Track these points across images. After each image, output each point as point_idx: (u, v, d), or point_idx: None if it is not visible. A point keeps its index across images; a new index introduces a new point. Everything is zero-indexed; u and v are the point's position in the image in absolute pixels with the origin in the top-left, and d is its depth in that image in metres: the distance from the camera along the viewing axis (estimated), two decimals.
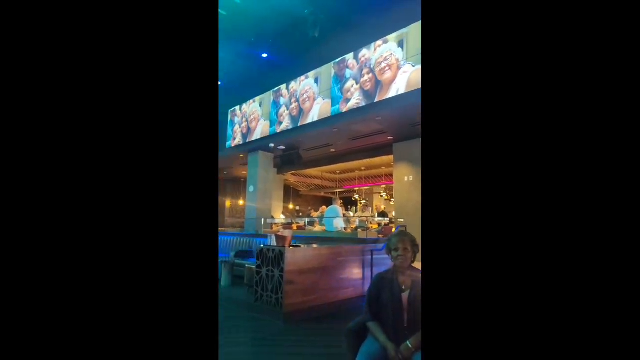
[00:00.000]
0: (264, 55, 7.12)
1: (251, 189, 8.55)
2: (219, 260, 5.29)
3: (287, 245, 3.65)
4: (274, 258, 3.60)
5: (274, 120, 7.52)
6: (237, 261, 5.10)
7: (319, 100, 6.59)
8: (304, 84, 6.94)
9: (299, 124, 6.94)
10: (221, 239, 6.72)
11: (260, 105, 8.00)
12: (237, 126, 8.69)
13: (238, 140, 8.58)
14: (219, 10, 5.62)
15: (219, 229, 10.32)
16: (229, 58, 7.10)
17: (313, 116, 6.67)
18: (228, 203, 13.52)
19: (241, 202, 13.23)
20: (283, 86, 7.38)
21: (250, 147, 8.38)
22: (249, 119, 8.28)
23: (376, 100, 5.58)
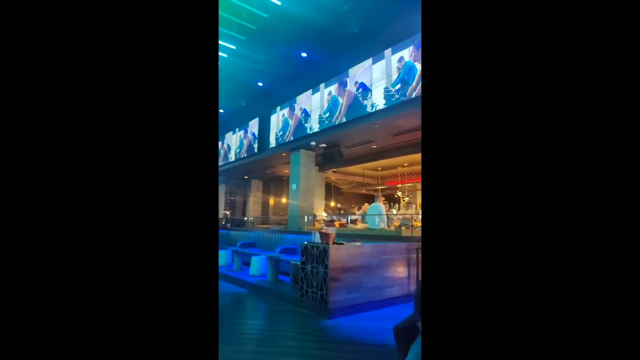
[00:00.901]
0: (304, 55, 7.21)
1: (294, 186, 8.72)
2: (266, 256, 5.48)
3: (330, 243, 3.68)
4: (318, 255, 3.65)
5: (313, 118, 7.59)
6: (282, 257, 5.24)
7: (358, 96, 6.53)
8: (342, 82, 6.92)
9: (339, 121, 6.93)
10: (266, 235, 6.94)
11: (297, 104, 8.12)
12: (277, 125, 8.90)
13: (280, 139, 8.78)
14: (260, 13, 5.78)
15: (265, 225, 10.66)
16: (271, 60, 7.29)
17: (353, 112, 6.63)
18: (272, 201, 13.91)
19: (284, 200, 13.54)
20: (322, 85, 7.42)
21: (292, 145, 8.54)
22: (289, 118, 8.44)
23: (416, 94, 5.40)
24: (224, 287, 5.16)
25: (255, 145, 9.80)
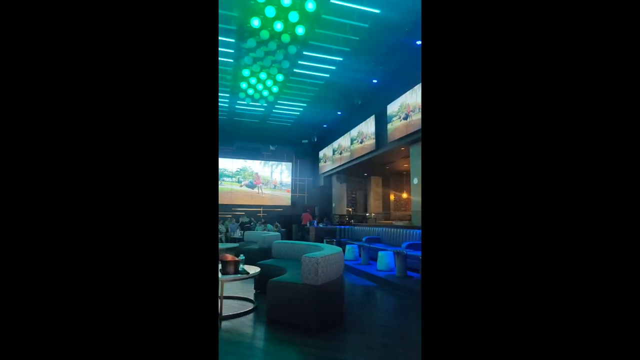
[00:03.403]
0: (418, 43, 6.88)
1: (415, 181, 8.42)
2: (392, 251, 5.48)
3: None
4: None
5: None
6: (409, 252, 5.15)
7: None
8: None
9: None
10: (390, 230, 6.93)
11: (413, 94, 7.79)
12: (396, 119, 8.75)
13: (400, 133, 8.63)
14: (372, 10, 5.80)
15: (387, 221, 10.66)
16: (384, 59, 7.23)
17: None
18: (392, 196, 13.79)
19: (404, 195, 13.23)
20: None
21: (412, 138, 8.27)
22: (408, 110, 8.19)
23: None
24: (353, 280, 5.40)
25: (373, 142, 9.89)
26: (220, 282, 3.35)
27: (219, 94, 9.12)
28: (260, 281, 3.96)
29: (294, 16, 5.43)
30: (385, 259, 5.56)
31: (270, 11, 5.31)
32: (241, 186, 13.65)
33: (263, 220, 12.56)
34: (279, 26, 5.64)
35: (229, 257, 3.50)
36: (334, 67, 7.72)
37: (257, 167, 13.92)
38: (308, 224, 10.86)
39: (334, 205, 13.15)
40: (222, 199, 12.98)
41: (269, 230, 10.07)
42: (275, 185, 14.10)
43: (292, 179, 14.24)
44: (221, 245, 6.70)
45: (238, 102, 9.50)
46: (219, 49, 6.65)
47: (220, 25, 5.94)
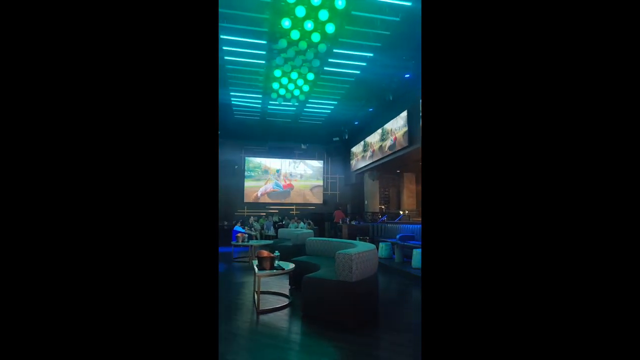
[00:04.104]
0: None
1: None
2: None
3: None
4: None
5: None
6: None
7: None
8: None
9: None
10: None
11: None
12: None
13: None
14: (403, 3, 5.68)
15: (417, 218, 10.41)
16: (417, 54, 7.06)
17: None
18: None
19: None
20: None
21: None
22: None
23: None
24: (387, 277, 5.35)
25: (403, 139, 9.69)
26: (257, 277, 3.46)
27: (252, 96, 9.36)
28: (294, 277, 4.04)
29: (324, 14, 5.44)
30: (420, 257, 5.46)
31: (300, 11, 5.36)
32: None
33: (296, 217, 12.75)
34: (309, 25, 5.68)
35: (265, 253, 3.61)
36: (364, 64, 7.65)
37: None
38: (340, 222, 10.87)
39: (366, 202, 13.04)
40: (256, 198, 13.32)
41: (302, 228, 10.20)
42: (305, 194, 14.21)
43: (323, 177, 14.31)
44: (256, 242, 6.90)
45: (270, 102, 9.69)
46: (252, 51, 6.84)
47: (251, 28, 6.09)
